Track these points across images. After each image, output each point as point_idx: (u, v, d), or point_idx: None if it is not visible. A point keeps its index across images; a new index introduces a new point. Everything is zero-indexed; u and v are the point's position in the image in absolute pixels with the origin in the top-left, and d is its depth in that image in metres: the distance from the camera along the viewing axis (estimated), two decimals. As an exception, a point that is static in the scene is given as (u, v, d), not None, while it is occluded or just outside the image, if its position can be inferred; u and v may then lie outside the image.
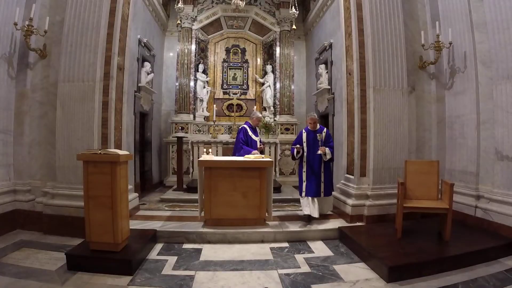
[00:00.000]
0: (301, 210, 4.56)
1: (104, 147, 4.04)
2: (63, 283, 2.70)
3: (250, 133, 5.03)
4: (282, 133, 8.12)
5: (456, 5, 4.21)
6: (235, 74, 8.80)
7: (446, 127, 4.54)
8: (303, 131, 4.53)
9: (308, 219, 4.29)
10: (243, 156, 4.52)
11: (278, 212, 4.85)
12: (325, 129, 4.49)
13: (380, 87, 4.30)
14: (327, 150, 4.27)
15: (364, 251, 3.31)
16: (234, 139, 7.69)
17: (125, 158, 3.24)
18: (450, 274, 2.87)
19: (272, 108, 8.43)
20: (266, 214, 4.25)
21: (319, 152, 4.26)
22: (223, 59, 8.76)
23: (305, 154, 4.43)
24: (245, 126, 5.09)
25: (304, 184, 4.39)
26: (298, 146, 4.40)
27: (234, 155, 5.05)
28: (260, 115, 5.49)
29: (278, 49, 8.52)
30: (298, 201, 5.79)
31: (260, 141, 5.20)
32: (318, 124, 4.52)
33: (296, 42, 8.89)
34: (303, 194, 4.36)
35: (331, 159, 4.39)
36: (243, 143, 4.89)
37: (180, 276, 2.90)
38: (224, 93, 8.72)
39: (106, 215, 3.05)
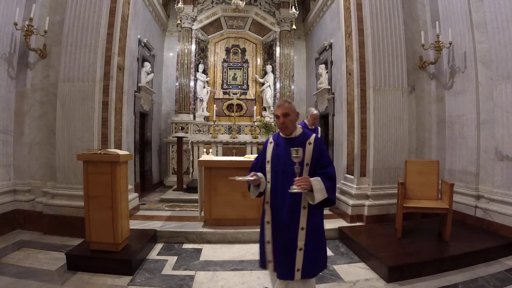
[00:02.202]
0: None
1: (104, 147, 4.04)
2: (63, 283, 2.70)
3: None
4: (282, 133, 8.10)
5: (456, 5, 4.21)
6: (235, 74, 8.80)
7: (446, 127, 4.54)
8: (269, 140, 2.24)
9: None
10: None
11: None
12: (313, 136, 2.13)
13: (380, 87, 4.30)
14: (314, 182, 1.93)
15: (364, 251, 3.31)
16: (234, 139, 7.78)
17: (125, 158, 3.24)
18: (450, 274, 2.87)
19: (272, 108, 8.43)
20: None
21: (294, 189, 1.88)
22: (223, 59, 8.76)
23: (268, 185, 2.13)
24: (299, 126, 4.43)
25: (267, 248, 2.09)
26: (251, 176, 2.08)
27: None
28: (317, 112, 4.39)
29: (278, 49, 8.52)
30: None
31: None
32: (294, 123, 2.16)
33: (296, 42, 8.89)
34: (269, 267, 2.10)
35: (329, 201, 2.00)
36: None
37: (180, 276, 2.90)
38: (224, 93, 8.72)
39: (106, 215, 3.05)
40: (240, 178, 2.11)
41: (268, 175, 2.14)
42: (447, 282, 2.74)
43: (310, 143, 2.08)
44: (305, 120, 4.59)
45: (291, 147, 1.94)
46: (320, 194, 1.93)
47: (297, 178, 1.91)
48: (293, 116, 2.13)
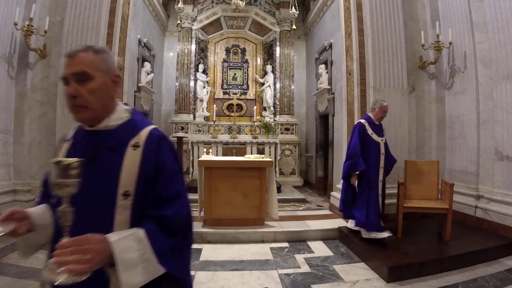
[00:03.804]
0: (301, 209, 4.29)
1: (104, 147, 4.03)
2: (63, 283, 2.69)
3: (369, 131, 3.52)
4: (282, 133, 8.11)
5: (456, 5, 4.21)
6: (235, 74, 8.80)
7: (446, 127, 4.54)
8: (69, 135, 1.17)
9: None
10: (352, 169, 3.49)
11: (278, 212, 4.84)
12: (146, 131, 1.00)
13: (380, 87, 4.30)
14: (122, 244, 0.82)
15: (364, 251, 3.31)
16: (234, 139, 7.78)
17: (125, 158, 3.23)
18: (450, 274, 2.87)
19: (272, 108, 8.43)
20: (267, 214, 4.25)
21: (58, 274, 0.71)
22: (223, 59, 8.75)
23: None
24: (362, 120, 3.58)
25: None
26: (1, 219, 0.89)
27: (345, 168, 3.65)
28: (386, 103, 3.58)
29: (278, 49, 8.52)
30: (298, 201, 5.84)
31: (385, 144, 3.62)
32: (104, 98, 1.00)
33: (296, 42, 8.89)
34: None
35: (175, 279, 0.97)
36: (357, 147, 3.48)
37: (180, 276, 2.89)
38: (224, 93, 8.72)
39: (106, 215, 3.04)
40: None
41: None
42: (447, 282, 2.74)
43: (136, 146, 0.97)
44: (370, 113, 3.64)
45: (96, 150, 0.96)
46: (139, 272, 0.84)
47: (64, 241, 0.77)
48: (101, 81, 0.99)
